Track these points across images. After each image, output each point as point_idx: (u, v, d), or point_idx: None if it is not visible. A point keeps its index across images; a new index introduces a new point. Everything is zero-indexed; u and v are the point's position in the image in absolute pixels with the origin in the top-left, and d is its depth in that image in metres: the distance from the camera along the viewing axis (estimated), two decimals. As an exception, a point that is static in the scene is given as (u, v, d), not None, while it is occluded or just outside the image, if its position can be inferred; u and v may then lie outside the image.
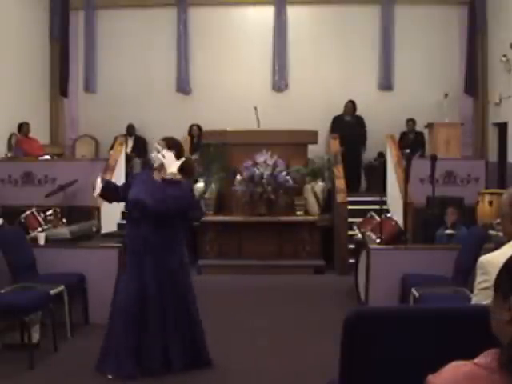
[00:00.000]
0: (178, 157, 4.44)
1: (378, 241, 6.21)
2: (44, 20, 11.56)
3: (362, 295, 6.24)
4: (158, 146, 4.45)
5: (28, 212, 6.89)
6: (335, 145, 9.68)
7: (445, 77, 11.33)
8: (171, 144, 4.49)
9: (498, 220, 5.25)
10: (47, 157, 9.70)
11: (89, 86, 11.79)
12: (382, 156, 10.58)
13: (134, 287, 4.33)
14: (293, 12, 11.60)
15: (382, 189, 7.92)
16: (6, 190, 8.88)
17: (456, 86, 11.33)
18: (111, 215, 8.47)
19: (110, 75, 11.64)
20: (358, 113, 11.13)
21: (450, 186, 9.13)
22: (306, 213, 8.56)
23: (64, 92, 11.54)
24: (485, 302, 2.26)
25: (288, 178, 8.28)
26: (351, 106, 11.08)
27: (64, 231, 6.44)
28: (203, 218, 8.44)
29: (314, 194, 8.67)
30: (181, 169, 4.40)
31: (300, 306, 6.47)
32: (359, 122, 11.08)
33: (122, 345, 4.30)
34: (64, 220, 6.95)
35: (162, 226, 4.33)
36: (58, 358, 4.82)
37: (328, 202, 8.89)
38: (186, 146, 9.81)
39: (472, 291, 2.57)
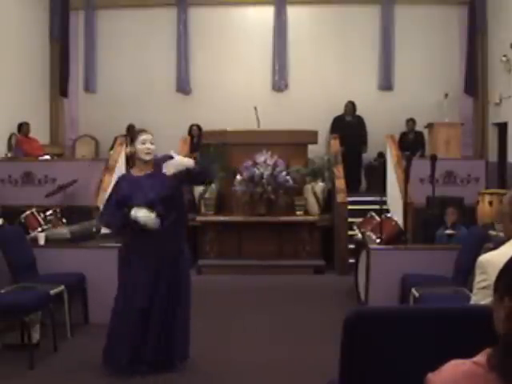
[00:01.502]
0: None
1: (378, 241, 6.21)
2: (44, 20, 11.56)
3: (362, 295, 6.24)
4: (150, 137, 4.36)
5: (28, 212, 6.88)
6: (335, 145, 9.67)
7: (445, 77, 11.34)
8: None
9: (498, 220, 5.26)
10: (47, 157, 9.70)
11: (89, 86, 11.79)
12: (381, 156, 10.57)
13: (142, 282, 4.24)
14: (293, 12, 11.60)
15: (382, 189, 7.91)
16: (6, 189, 8.87)
17: (456, 86, 11.33)
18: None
19: (110, 75, 11.64)
20: (357, 113, 11.13)
21: (450, 185, 9.12)
22: (306, 213, 8.56)
23: (64, 92, 11.54)
24: (484, 302, 2.27)
25: (288, 178, 8.27)
26: (351, 106, 11.09)
27: (64, 231, 6.44)
28: (203, 218, 8.48)
29: (314, 194, 8.67)
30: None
31: (300, 306, 6.47)
32: (360, 122, 11.08)
33: (123, 342, 4.29)
34: (64, 220, 6.95)
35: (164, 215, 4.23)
36: (58, 357, 4.81)
37: (328, 202, 8.88)
38: (186, 146, 9.82)
39: (472, 291, 2.57)
